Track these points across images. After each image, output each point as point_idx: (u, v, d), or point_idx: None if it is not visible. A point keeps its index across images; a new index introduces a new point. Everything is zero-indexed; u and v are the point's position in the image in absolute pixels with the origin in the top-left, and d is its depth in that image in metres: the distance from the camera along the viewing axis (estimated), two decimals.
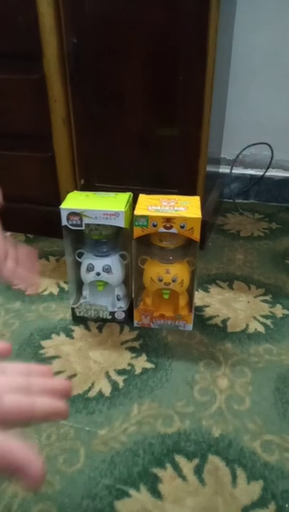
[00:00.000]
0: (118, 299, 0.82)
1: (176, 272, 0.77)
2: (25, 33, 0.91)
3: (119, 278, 0.80)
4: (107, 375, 0.70)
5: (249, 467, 0.56)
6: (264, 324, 0.82)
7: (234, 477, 0.55)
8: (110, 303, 0.82)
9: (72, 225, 0.72)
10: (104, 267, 0.77)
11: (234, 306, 0.88)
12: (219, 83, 1.03)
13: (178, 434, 0.60)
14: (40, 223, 1.16)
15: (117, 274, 0.78)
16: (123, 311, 0.81)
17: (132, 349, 0.76)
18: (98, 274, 0.77)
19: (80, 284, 0.84)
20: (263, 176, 1.36)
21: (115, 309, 0.82)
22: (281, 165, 1.36)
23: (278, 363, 0.73)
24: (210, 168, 1.09)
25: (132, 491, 0.53)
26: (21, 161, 1.07)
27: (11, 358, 0.75)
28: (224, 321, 0.83)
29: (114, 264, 0.77)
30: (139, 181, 1.05)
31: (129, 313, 0.82)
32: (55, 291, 0.93)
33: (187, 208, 0.72)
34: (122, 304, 0.82)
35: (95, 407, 0.65)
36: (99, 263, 0.77)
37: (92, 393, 0.67)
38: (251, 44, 1.21)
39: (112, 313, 0.81)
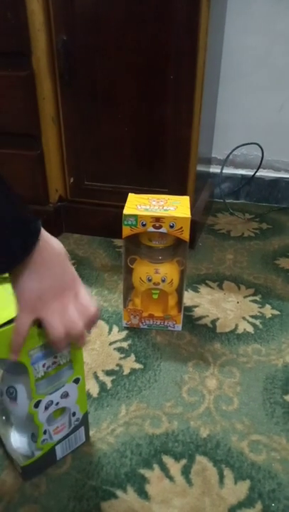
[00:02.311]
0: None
1: (166, 272, 0.76)
2: (15, 30, 0.90)
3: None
4: (95, 376, 0.70)
5: (236, 467, 0.56)
6: (253, 324, 0.83)
7: (221, 477, 0.55)
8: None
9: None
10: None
11: (223, 307, 0.88)
12: (210, 83, 1.03)
13: (166, 435, 0.60)
14: None
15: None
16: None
17: (120, 349, 0.76)
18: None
19: None
20: (253, 176, 1.36)
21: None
22: (271, 165, 1.36)
23: (267, 363, 0.73)
24: (200, 168, 1.09)
25: (119, 492, 0.53)
26: (10, 159, 1.06)
27: None
28: (213, 322, 0.83)
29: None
30: (129, 180, 1.05)
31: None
32: None
33: (177, 207, 0.72)
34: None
35: None
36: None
37: None
38: (242, 46, 1.21)
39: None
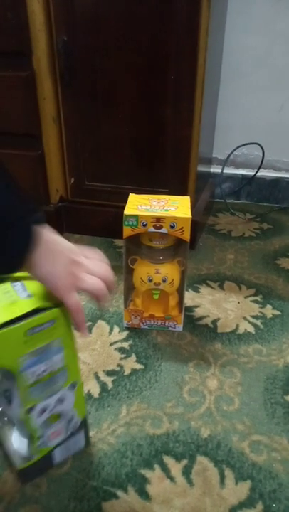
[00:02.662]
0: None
1: (167, 272, 0.76)
2: (15, 30, 0.90)
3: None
4: (96, 376, 0.70)
5: (237, 467, 0.56)
6: (254, 325, 0.83)
7: (222, 478, 0.55)
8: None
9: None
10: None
11: (224, 307, 0.88)
12: (210, 83, 1.03)
13: (166, 435, 0.60)
14: None
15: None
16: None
17: (121, 350, 0.76)
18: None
19: None
20: (254, 176, 1.36)
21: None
22: (272, 165, 1.36)
23: (268, 364, 0.73)
24: (201, 168, 1.09)
25: (120, 493, 0.53)
26: (10, 159, 1.06)
27: None
28: (214, 322, 0.83)
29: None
30: (129, 181, 1.05)
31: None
32: None
33: (177, 207, 0.72)
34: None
35: None
36: None
37: None
38: (242, 45, 1.21)
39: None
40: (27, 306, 0.44)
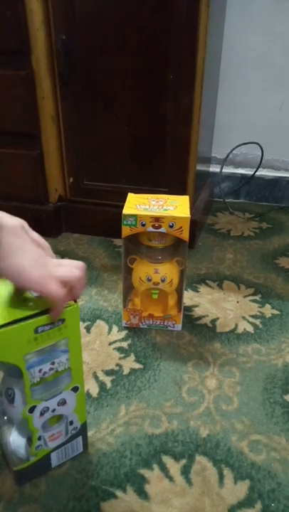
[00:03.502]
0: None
1: (165, 272, 0.76)
2: (14, 29, 0.90)
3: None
4: (95, 376, 0.70)
5: (236, 467, 0.56)
6: (253, 324, 0.83)
7: (221, 477, 0.55)
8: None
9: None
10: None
11: (223, 306, 0.88)
12: (209, 83, 1.03)
13: (165, 435, 0.60)
14: (28, 222, 1.15)
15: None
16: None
17: (120, 349, 0.76)
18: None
19: None
20: (253, 175, 1.36)
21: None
22: (271, 164, 1.36)
23: (267, 363, 0.73)
24: (200, 167, 1.09)
25: (119, 492, 0.53)
26: (9, 158, 1.06)
27: None
28: (213, 321, 0.83)
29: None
30: (128, 180, 1.05)
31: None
32: None
33: (176, 207, 0.72)
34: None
35: None
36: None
37: None
38: (241, 45, 1.21)
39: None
40: (39, 304, 0.44)
